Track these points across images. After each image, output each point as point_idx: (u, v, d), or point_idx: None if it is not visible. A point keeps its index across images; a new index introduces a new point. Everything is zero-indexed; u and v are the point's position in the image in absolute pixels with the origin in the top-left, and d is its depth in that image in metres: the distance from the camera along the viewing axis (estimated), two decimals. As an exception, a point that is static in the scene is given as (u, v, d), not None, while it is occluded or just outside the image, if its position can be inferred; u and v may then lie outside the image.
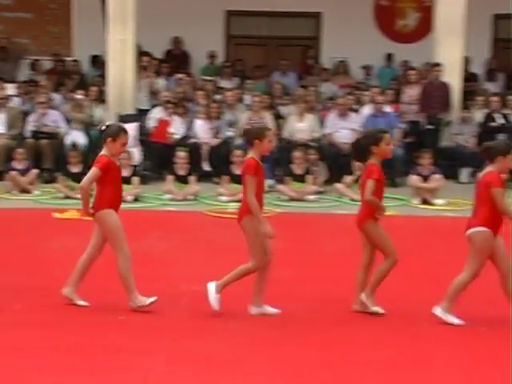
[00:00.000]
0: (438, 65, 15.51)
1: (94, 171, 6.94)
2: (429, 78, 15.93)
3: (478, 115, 15.66)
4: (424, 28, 18.09)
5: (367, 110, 15.39)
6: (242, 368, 5.69)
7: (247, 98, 15.97)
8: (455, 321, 6.75)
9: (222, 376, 5.51)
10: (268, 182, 12.42)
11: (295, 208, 12.33)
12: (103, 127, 7.29)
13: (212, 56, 18.65)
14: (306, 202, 12.98)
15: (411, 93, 16.14)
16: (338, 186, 13.40)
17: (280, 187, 13.17)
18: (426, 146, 14.24)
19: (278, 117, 15.40)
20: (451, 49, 15.46)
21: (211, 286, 6.78)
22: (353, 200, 12.75)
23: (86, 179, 6.98)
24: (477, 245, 6.69)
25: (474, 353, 6.18)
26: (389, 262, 6.93)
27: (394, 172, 14.51)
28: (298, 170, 13.37)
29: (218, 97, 16.26)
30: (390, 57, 18.58)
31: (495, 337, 6.45)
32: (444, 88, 15.56)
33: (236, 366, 5.68)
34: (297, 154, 13.44)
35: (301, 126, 14.85)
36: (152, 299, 6.89)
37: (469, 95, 16.12)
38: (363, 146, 7.09)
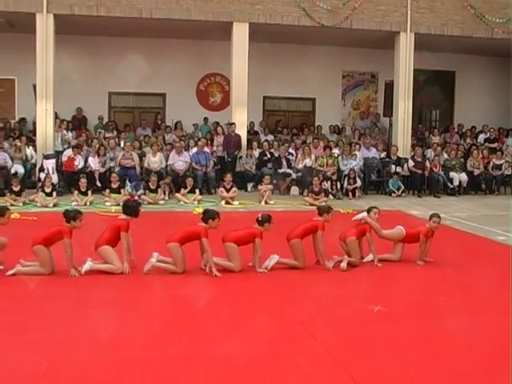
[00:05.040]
0: (233, 123, 15.70)
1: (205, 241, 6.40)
2: (228, 131, 16.06)
3: (256, 153, 15.91)
4: (225, 102, 18.14)
5: (194, 149, 15.29)
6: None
7: (122, 143, 15.50)
8: None
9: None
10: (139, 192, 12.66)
11: (153, 209, 12.12)
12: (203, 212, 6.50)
13: (100, 118, 17.97)
14: (159, 205, 12.83)
15: (219, 139, 16.24)
16: (177, 195, 13.31)
17: (143, 197, 12.93)
18: (228, 170, 14.39)
19: (142, 154, 15.07)
20: (240, 115, 15.72)
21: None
22: (185, 203, 12.79)
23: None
24: None
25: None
26: None
27: (209, 185, 14.60)
28: (152, 186, 13.16)
29: (104, 142, 15.73)
30: (206, 119, 18.54)
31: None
32: (237, 137, 15.78)
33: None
34: (152, 177, 13.22)
35: (154, 160, 14.58)
36: None
37: (250, 141, 16.39)
38: None
